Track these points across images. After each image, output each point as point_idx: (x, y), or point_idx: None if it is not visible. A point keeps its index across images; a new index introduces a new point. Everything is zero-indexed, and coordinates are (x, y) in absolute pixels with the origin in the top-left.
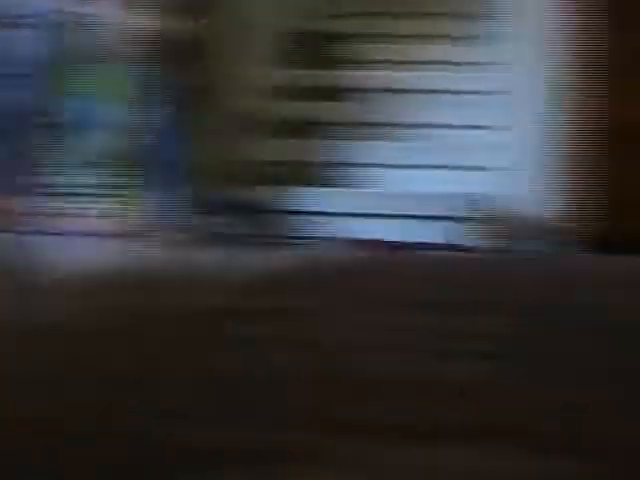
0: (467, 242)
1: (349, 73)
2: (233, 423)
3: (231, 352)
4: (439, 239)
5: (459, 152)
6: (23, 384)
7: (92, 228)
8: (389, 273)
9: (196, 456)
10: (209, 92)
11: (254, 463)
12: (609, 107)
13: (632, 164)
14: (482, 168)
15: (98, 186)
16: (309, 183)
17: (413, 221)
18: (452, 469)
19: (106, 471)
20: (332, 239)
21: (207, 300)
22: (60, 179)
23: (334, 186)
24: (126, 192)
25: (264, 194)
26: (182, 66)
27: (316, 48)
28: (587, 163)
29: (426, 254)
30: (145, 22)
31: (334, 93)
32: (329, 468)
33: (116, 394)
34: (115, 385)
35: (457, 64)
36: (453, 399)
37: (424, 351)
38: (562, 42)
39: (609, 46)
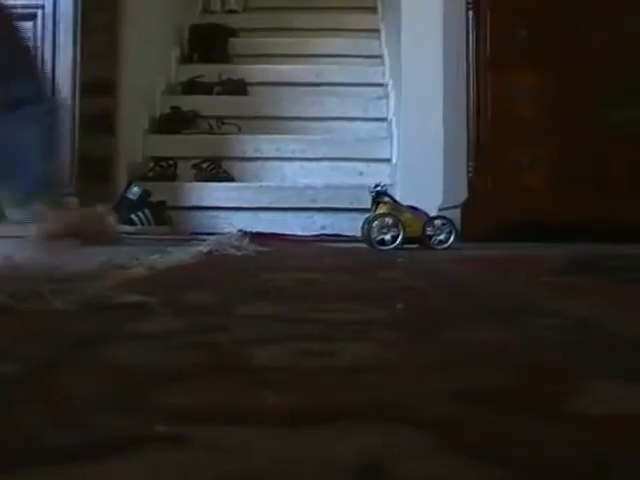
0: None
1: (246, 67)
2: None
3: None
4: (347, 231)
5: (356, 144)
6: None
7: None
8: (281, 266)
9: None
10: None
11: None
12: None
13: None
14: (377, 160)
15: None
16: (205, 178)
17: (311, 213)
18: (327, 451)
19: None
20: (230, 233)
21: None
22: None
23: (231, 180)
24: None
25: (161, 190)
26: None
27: (213, 43)
28: (479, 154)
29: (326, 246)
30: None
31: (232, 87)
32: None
33: None
34: None
35: (353, 57)
36: (338, 382)
37: (308, 339)
38: (453, 35)
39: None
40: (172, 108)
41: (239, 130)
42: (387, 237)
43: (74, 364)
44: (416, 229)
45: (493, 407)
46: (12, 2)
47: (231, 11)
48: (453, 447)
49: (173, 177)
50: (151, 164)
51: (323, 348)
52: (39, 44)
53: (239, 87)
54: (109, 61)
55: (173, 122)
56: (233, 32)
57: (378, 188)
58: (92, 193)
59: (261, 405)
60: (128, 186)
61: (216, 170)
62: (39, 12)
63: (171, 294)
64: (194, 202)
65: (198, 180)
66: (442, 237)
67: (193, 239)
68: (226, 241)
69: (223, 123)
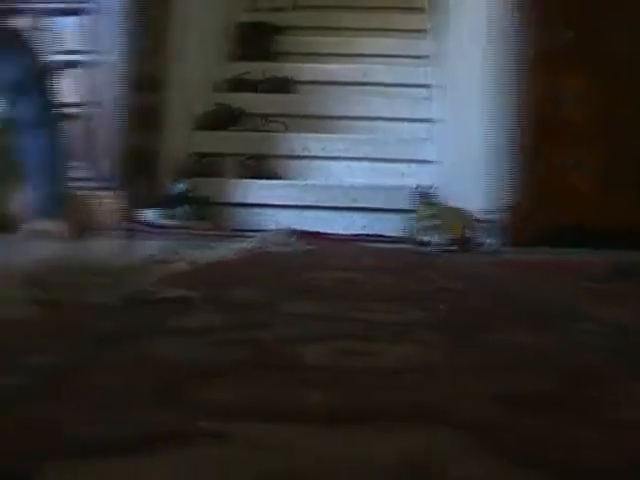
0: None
1: (293, 65)
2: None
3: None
4: (386, 231)
5: (399, 145)
6: None
7: None
8: (323, 265)
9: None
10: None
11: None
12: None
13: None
14: (424, 161)
15: None
16: (252, 175)
17: (353, 212)
18: (365, 452)
19: None
20: (274, 230)
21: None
22: None
23: (277, 177)
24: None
25: (205, 186)
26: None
27: (259, 41)
28: (523, 156)
29: (367, 246)
30: None
31: (276, 85)
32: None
33: None
34: None
35: (400, 57)
36: (379, 383)
37: (349, 339)
38: (501, 37)
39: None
40: (218, 105)
41: (285, 128)
42: (430, 238)
43: (117, 358)
44: (458, 231)
45: (531, 411)
46: None
47: (279, 9)
48: (491, 449)
49: (219, 173)
50: (196, 160)
51: (364, 348)
52: (88, 39)
53: (283, 85)
54: (158, 57)
55: (219, 119)
56: (280, 30)
57: (420, 189)
58: (138, 187)
59: (302, 403)
60: (174, 181)
61: (261, 167)
62: (88, 7)
63: (214, 290)
64: (239, 199)
65: (243, 177)
66: (484, 240)
67: (236, 235)
68: (270, 238)
69: (269, 121)
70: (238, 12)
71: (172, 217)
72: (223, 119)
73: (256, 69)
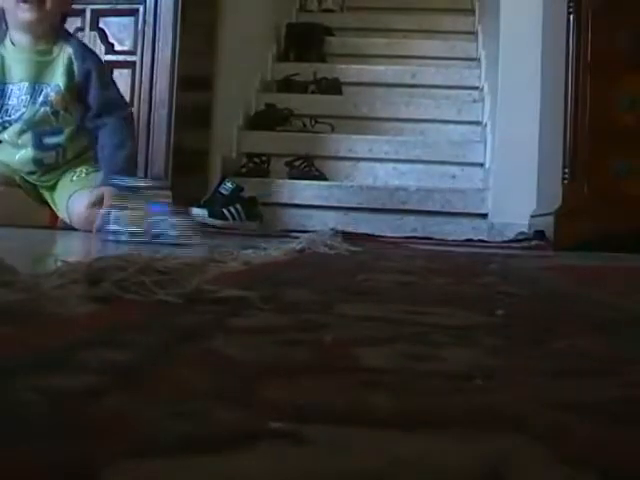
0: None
1: (341, 66)
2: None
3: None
4: (430, 234)
5: (449, 147)
6: None
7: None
8: (374, 266)
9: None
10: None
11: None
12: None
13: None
14: (474, 164)
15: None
16: (299, 176)
17: (402, 215)
18: (438, 460)
19: None
20: (322, 231)
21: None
22: None
23: (324, 179)
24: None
25: (253, 186)
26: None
27: (309, 42)
28: (576, 160)
29: (418, 248)
30: None
31: (327, 86)
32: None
33: None
34: None
35: (449, 59)
36: (447, 387)
37: (409, 342)
38: (556, 39)
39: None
40: (267, 105)
41: (332, 129)
42: (118, 228)
43: (182, 357)
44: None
45: (610, 420)
46: None
47: (328, 10)
48: (568, 459)
49: (266, 174)
50: (244, 160)
51: (426, 352)
52: (140, 38)
53: (333, 86)
54: (207, 57)
55: (267, 119)
56: (329, 31)
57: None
58: (186, 186)
59: (372, 406)
60: (221, 181)
61: (308, 168)
62: (141, 8)
63: (269, 290)
64: (285, 199)
65: (290, 178)
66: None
67: (284, 236)
68: (319, 239)
69: (317, 122)
70: (288, 13)
71: (220, 217)
72: (272, 119)
73: (306, 70)
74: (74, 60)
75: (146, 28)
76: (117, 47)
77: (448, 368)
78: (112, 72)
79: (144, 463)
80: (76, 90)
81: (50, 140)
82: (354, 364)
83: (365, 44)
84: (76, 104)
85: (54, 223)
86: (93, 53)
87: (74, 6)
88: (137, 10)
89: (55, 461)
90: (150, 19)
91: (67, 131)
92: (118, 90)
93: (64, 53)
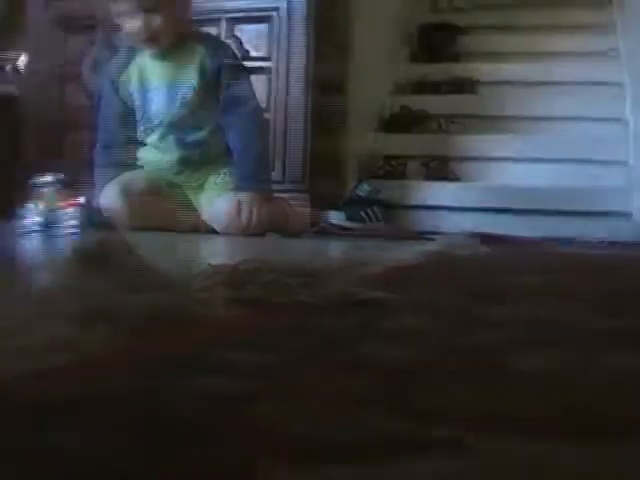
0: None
1: (474, 65)
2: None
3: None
4: (573, 235)
5: (587, 145)
6: None
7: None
8: (513, 268)
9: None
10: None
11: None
12: None
13: None
14: (612, 162)
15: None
16: (434, 177)
17: (538, 216)
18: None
19: None
20: (458, 233)
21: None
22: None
23: (458, 180)
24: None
25: (389, 188)
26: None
27: (441, 42)
28: None
29: (562, 250)
30: None
31: (460, 86)
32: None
33: None
34: None
35: (586, 54)
36: (621, 396)
37: (567, 345)
38: None
39: None
40: (402, 107)
41: (467, 129)
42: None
43: (334, 360)
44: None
45: None
46: (247, 5)
47: (459, 9)
48: None
49: (402, 175)
50: (381, 162)
51: (585, 356)
52: (274, 44)
53: (467, 86)
54: (341, 61)
55: (402, 121)
56: (461, 30)
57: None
58: (323, 189)
59: (538, 414)
60: (358, 183)
61: (444, 170)
62: (274, 14)
63: (410, 292)
64: (421, 201)
65: (426, 179)
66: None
67: (420, 238)
68: (456, 241)
69: (452, 122)
70: (419, 14)
71: (357, 219)
72: (406, 121)
73: (439, 70)
74: (205, 58)
75: (280, 34)
76: (252, 54)
77: (612, 375)
78: (244, 67)
79: (294, 469)
80: (209, 87)
81: (192, 138)
82: (507, 369)
83: (498, 42)
84: (212, 101)
85: (196, 227)
86: (224, 49)
87: (210, 15)
88: (271, 17)
89: (220, 465)
90: (284, 25)
91: (207, 128)
92: (248, 86)
93: (195, 53)
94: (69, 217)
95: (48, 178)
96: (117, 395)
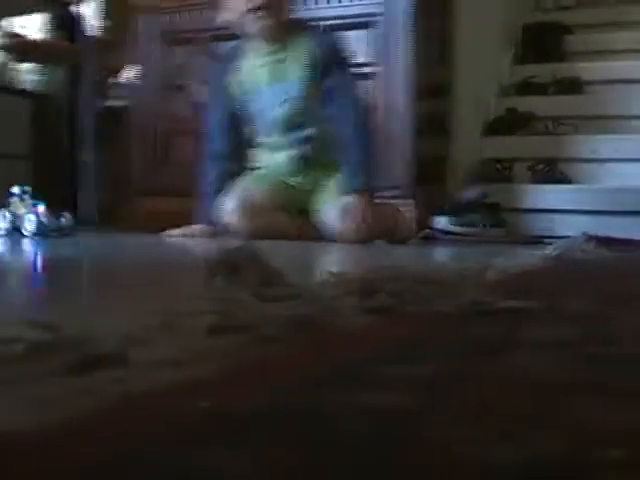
0: None
1: (581, 65)
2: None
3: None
4: None
5: None
6: None
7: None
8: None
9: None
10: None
11: None
12: None
13: None
14: None
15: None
16: (542, 180)
17: None
18: None
19: None
20: (575, 237)
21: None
22: None
23: (568, 182)
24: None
25: (496, 192)
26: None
27: (546, 42)
28: None
29: None
30: None
31: (567, 86)
32: None
33: None
34: None
35: None
36: None
37: None
38: None
39: None
40: (507, 110)
41: (575, 130)
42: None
43: (484, 373)
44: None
45: None
46: (347, 12)
47: (564, 7)
48: None
49: (508, 179)
50: (486, 166)
51: None
52: (375, 50)
53: (574, 86)
54: (444, 64)
55: (508, 123)
56: (567, 29)
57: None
58: (428, 194)
59: None
60: (464, 187)
61: (552, 172)
62: (374, 19)
63: (542, 299)
64: (529, 204)
65: (533, 182)
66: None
67: (531, 242)
68: (574, 245)
69: (559, 124)
70: (523, 14)
71: (465, 224)
72: (512, 124)
73: (545, 71)
74: (309, 52)
75: (383, 39)
76: (354, 60)
77: None
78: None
79: None
80: (315, 81)
81: (302, 134)
82: None
83: (605, 40)
84: (319, 94)
85: (301, 234)
86: (328, 41)
87: (310, 22)
88: (371, 22)
89: None
90: (386, 30)
91: (318, 123)
92: (349, 76)
93: (300, 47)
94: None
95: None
96: (273, 409)
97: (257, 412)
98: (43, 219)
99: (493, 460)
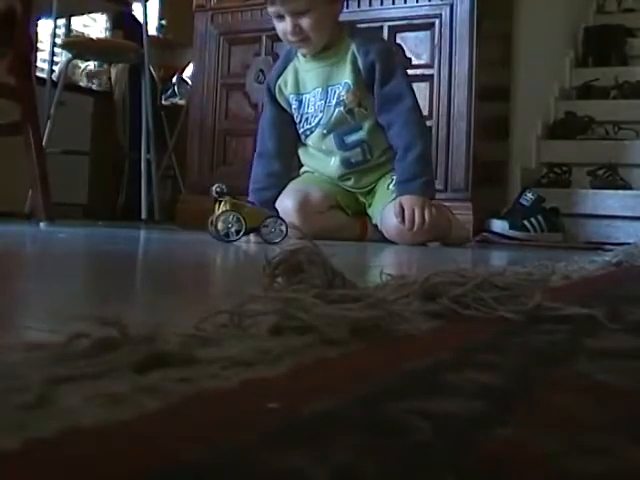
0: None
1: None
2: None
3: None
4: None
5: None
6: None
7: None
8: None
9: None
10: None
11: None
12: None
13: None
14: None
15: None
16: (602, 185)
17: None
18: None
19: None
20: (634, 244)
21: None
22: None
23: (629, 188)
24: None
25: (555, 196)
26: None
27: (608, 45)
28: None
29: None
30: None
31: (630, 90)
32: None
33: None
34: None
35: None
36: None
37: None
38: None
39: None
40: (567, 113)
41: (637, 135)
42: (226, 229)
43: (552, 382)
44: (254, 221)
45: None
46: (409, 13)
47: (628, 10)
48: None
49: (567, 184)
50: (545, 170)
51: None
52: (436, 51)
53: (636, 90)
54: (504, 67)
55: (567, 128)
56: (630, 32)
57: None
58: (486, 197)
59: None
60: (522, 192)
61: (612, 177)
62: (437, 21)
63: (606, 306)
64: (588, 210)
65: (593, 187)
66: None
67: (591, 248)
68: (636, 252)
69: (620, 128)
70: (585, 16)
71: (522, 228)
72: (572, 128)
73: (606, 75)
74: (357, 55)
75: (442, 41)
76: (415, 61)
77: None
78: (400, 62)
79: None
80: (365, 84)
81: (351, 138)
82: None
83: None
84: (368, 98)
85: (364, 235)
86: (376, 44)
87: (371, 24)
88: (433, 24)
89: None
90: (446, 32)
91: (366, 126)
92: (403, 80)
93: (348, 50)
94: None
95: None
96: (343, 414)
97: (326, 416)
98: None
99: (583, 471)
